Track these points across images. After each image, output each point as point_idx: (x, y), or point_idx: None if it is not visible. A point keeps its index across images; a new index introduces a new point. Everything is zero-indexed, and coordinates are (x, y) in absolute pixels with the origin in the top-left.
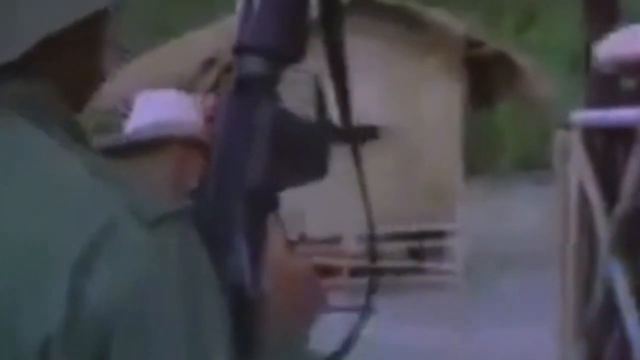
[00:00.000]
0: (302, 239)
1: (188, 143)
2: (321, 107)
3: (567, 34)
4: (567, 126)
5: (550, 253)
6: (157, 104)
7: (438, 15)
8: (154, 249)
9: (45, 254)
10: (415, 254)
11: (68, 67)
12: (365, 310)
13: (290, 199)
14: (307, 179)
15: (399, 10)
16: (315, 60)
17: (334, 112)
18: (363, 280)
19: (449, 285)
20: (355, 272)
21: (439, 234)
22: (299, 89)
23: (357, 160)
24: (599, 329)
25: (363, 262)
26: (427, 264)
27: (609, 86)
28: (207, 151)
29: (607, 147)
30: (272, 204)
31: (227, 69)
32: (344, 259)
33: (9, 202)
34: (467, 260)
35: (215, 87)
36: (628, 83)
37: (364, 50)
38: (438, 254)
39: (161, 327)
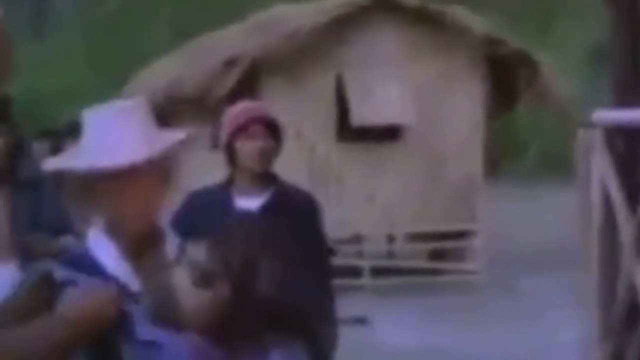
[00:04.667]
0: None
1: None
2: (342, 104)
3: (590, 33)
4: (590, 125)
5: (572, 253)
6: (119, 138)
7: (459, 14)
8: None
9: None
10: (437, 254)
11: None
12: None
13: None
14: None
15: (420, 11)
16: (339, 58)
17: (354, 109)
18: (384, 281)
19: (471, 285)
20: (376, 273)
21: (461, 234)
22: (319, 89)
23: None
24: (623, 328)
25: (384, 263)
26: (449, 265)
27: (631, 85)
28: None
29: (629, 146)
30: None
31: (249, 68)
32: (366, 259)
33: None
34: (489, 260)
35: (236, 87)
36: None
37: (386, 51)
38: (460, 254)
39: None
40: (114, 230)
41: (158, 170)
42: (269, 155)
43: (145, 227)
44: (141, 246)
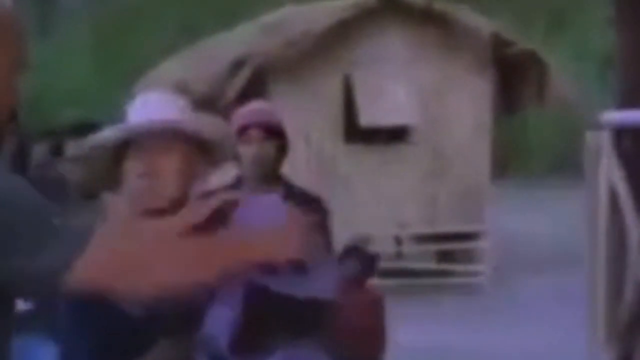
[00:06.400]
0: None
1: (190, 141)
2: (350, 105)
3: (597, 35)
4: (598, 127)
5: (579, 254)
6: (153, 105)
7: (467, 15)
8: None
9: None
10: (444, 256)
11: None
12: None
13: None
14: None
15: (428, 11)
16: (346, 60)
17: (362, 110)
18: (392, 282)
19: (477, 287)
20: (384, 274)
21: (468, 236)
22: (327, 90)
23: None
24: (630, 331)
25: (392, 264)
26: (456, 266)
27: (638, 87)
28: (206, 149)
29: (637, 147)
30: None
31: (257, 70)
32: None
33: None
34: (496, 262)
35: (244, 89)
36: None
37: (394, 52)
38: (467, 255)
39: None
40: (134, 208)
41: (194, 143)
42: (265, 159)
43: (165, 204)
44: None
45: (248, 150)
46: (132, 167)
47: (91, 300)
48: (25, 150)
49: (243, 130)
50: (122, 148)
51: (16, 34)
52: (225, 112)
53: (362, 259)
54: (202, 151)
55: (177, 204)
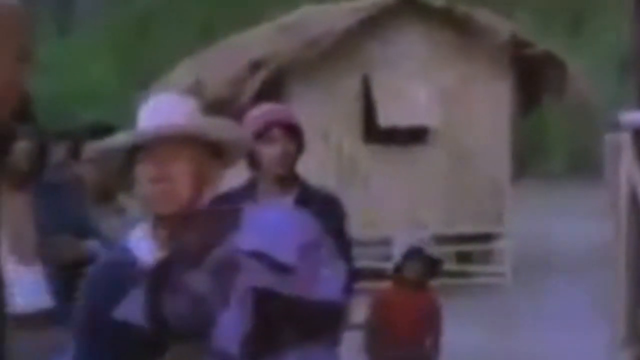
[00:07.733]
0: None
1: (200, 144)
2: (369, 105)
3: (617, 35)
4: (617, 128)
5: (599, 255)
6: (162, 109)
7: (486, 16)
8: None
9: None
10: (463, 256)
11: None
12: None
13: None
14: None
15: (447, 12)
16: (365, 60)
17: (381, 110)
18: None
19: (497, 287)
20: None
21: (488, 237)
22: (346, 90)
23: None
24: None
25: None
26: (476, 267)
27: None
28: (219, 152)
29: None
30: None
31: (275, 71)
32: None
33: None
34: (516, 262)
35: (262, 90)
36: None
37: (413, 52)
38: (486, 256)
39: None
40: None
41: (204, 146)
42: (290, 158)
43: (177, 208)
44: (176, 229)
45: (272, 150)
46: (144, 172)
47: (101, 310)
48: (45, 152)
49: (266, 130)
50: (134, 152)
51: (19, 27)
52: (240, 114)
53: (424, 261)
54: (213, 154)
55: (189, 207)
